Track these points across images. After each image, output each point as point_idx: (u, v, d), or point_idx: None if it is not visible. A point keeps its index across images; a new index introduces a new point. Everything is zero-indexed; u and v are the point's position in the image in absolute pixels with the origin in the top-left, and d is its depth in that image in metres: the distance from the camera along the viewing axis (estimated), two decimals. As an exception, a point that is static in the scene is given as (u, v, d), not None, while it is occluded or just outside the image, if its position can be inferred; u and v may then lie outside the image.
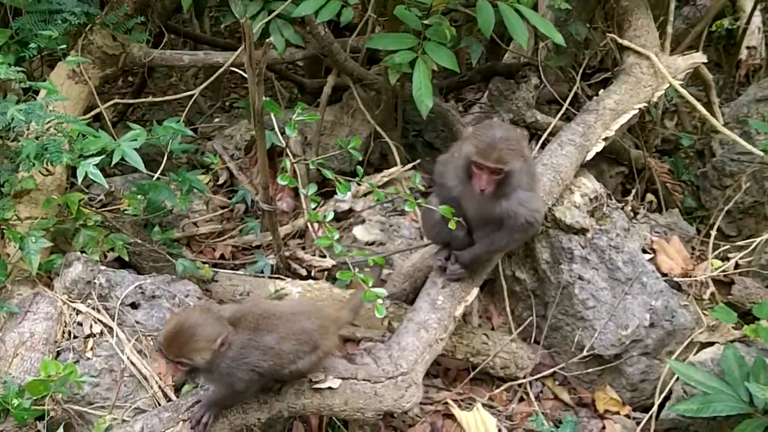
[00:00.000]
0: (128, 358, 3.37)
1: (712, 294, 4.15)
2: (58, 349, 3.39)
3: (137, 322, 3.52)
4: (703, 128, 5.90)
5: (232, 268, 4.33)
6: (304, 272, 4.28)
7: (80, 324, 3.47)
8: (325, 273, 4.31)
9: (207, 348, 2.75)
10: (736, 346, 3.64)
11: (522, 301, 4.30)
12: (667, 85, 4.44)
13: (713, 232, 4.46)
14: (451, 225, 3.27)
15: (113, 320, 3.47)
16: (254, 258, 4.31)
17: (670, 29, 4.84)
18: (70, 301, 3.52)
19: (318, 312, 3.16)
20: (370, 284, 3.14)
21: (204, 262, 4.21)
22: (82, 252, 3.71)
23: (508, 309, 4.20)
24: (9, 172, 3.57)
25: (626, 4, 4.78)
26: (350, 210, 4.68)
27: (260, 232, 4.51)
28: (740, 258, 4.22)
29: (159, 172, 3.95)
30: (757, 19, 6.97)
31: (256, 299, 3.72)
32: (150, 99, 4.93)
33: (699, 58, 4.61)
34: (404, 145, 5.25)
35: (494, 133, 3.25)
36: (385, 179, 4.74)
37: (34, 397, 3.11)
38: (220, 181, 5.07)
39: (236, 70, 4.51)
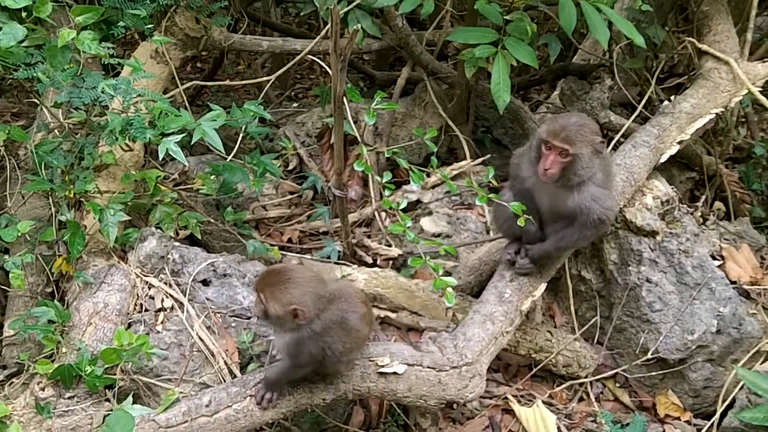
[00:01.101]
0: (197, 333, 3.44)
1: (782, 304, 4.08)
2: (130, 321, 3.49)
3: (207, 299, 3.58)
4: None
5: (299, 252, 4.39)
6: (369, 260, 4.31)
7: (152, 298, 3.55)
8: (390, 262, 4.35)
9: (282, 304, 2.79)
10: (804, 357, 3.59)
11: (586, 302, 4.27)
12: (745, 91, 4.36)
13: (786, 243, 4.37)
14: (520, 222, 3.28)
15: (184, 296, 3.55)
16: (322, 243, 4.35)
17: (749, 36, 4.75)
18: (144, 275, 3.61)
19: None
20: (440, 272, 3.15)
21: (272, 245, 4.28)
22: (157, 227, 3.80)
23: (572, 308, 4.18)
24: (91, 145, 3.67)
25: (707, 9, 4.71)
26: (418, 201, 4.70)
27: (329, 218, 4.55)
28: (812, 269, 4.14)
29: (232, 154, 4.01)
30: (836, 28, 6.79)
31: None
32: (226, 82, 5.00)
33: (779, 64, 4.52)
34: (473, 140, 5.25)
35: (570, 118, 3.31)
36: (455, 172, 4.75)
37: (106, 366, 3.22)
38: (290, 167, 5.14)
39: (314, 58, 4.56)
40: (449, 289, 3.10)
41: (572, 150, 3.21)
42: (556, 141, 3.21)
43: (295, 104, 5.94)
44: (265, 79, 4.71)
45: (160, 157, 3.28)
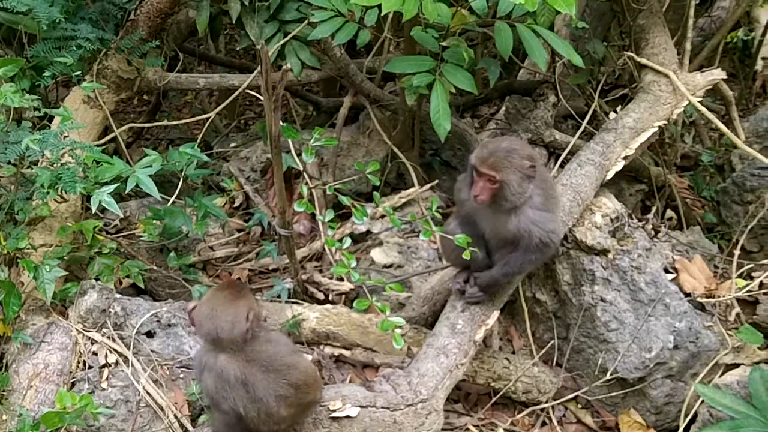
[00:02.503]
0: (144, 388, 3.33)
1: (738, 315, 4.06)
2: (73, 379, 3.37)
3: (153, 351, 3.48)
4: (722, 142, 5.83)
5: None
6: (321, 296, 4.24)
7: (95, 354, 3.44)
8: (343, 297, 4.27)
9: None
10: (763, 368, 3.56)
11: (543, 323, 4.23)
12: (687, 102, 4.37)
13: (737, 251, 4.36)
14: (466, 255, 3.25)
15: (129, 349, 3.44)
16: (271, 282, 4.26)
17: (688, 45, 4.79)
18: (85, 331, 3.50)
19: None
20: (387, 312, 3.09)
21: (220, 287, 4.18)
22: (97, 280, 3.68)
23: (529, 331, 4.13)
24: (23, 200, 3.55)
25: (643, 22, 4.72)
26: (368, 232, 4.65)
27: (277, 255, 4.46)
28: (765, 277, 4.12)
29: (174, 196, 3.92)
30: (773, 30, 6.90)
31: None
32: (164, 123, 4.89)
33: (718, 74, 4.53)
34: (421, 164, 5.22)
35: (500, 143, 3.30)
36: (403, 200, 4.71)
37: (50, 430, 3.08)
38: (236, 204, 5.05)
39: (252, 93, 4.48)
40: (397, 330, 3.03)
41: (499, 177, 3.19)
42: (483, 168, 3.20)
43: (234, 137, 5.84)
44: (204, 116, 4.61)
45: (93, 209, 3.18)
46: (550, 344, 4.11)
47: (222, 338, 2.79)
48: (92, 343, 3.47)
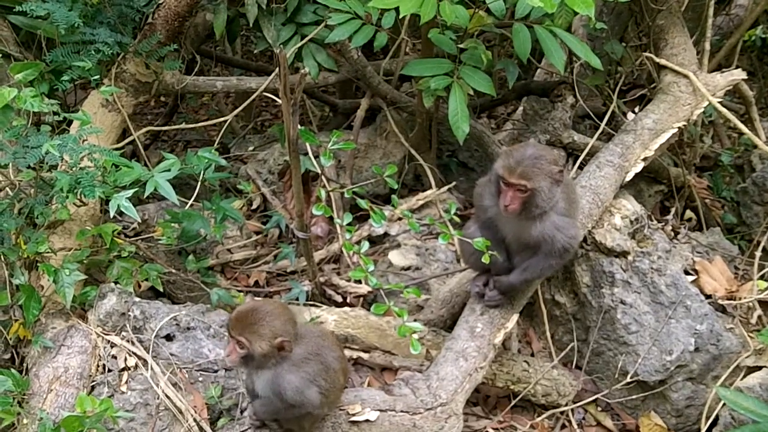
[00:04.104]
0: (163, 391, 3.33)
1: (759, 317, 4.02)
2: (93, 383, 3.37)
3: (172, 355, 3.48)
4: (741, 142, 5.77)
5: (266, 295, 4.29)
6: (339, 298, 4.23)
7: (115, 357, 3.44)
8: (361, 299, 4.26)
9: (268, 339, 2.77)
10: (785, 370, 3.54)
11: (562, 326, 4.21)
12: (706, 103, 4.33)
13: (758, 253, 4.32)
14: (485, 259, 3.23)
15: (148, 353, 3.44)
16: (289, 285, 4.25)
17: (707, 46, 4.74)
18: (105, 334, 3.50)
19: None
20: (405, 317, 3.08)
21: (239, 290, 4.20)
22: (116, 283, 3.69)
23: (548, 334, 4.11)
24: (42, 204, 3.56)
25: (662, 22, 4.68)
26: (385, 234, 4.63)
27: (295, 258, 4.46)
28: (787, 278, 4.09)
29: (192, 199, 3.92)
30: (791, 27, 6.84)
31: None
32: (182, 126, 4.90)
33: (738, 74, 4.49)
34: (438, 165, 5.20)
35: (525, 151, 3.23)
36: (420, 202, 4.69)
37: (70, 434, 3.09)
38: (254, 206, 5.05)
39: (269, 95, 4.48)
40: (414, 336, 3.01)
41: (530, 185, 3.15)
42: (513, 178, 3.15)
43: (251, 139, 5.85)
44: (221, 119, 4.62)
45: (111, 214, 3.19)
46: (569, 347, 4.09)
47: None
48: (111, 347, 3.47)
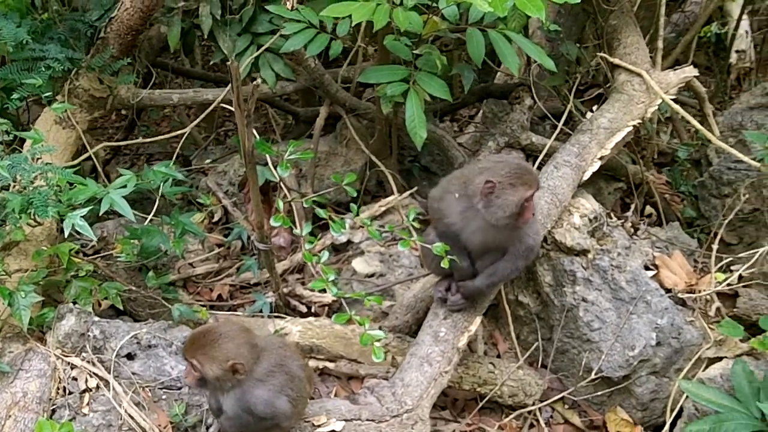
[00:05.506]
0: (126, 411, 3.28)
1: (718, 309, 4.08)
2: (53, 407, 3.29)
3: (134, 373, 3.43)
4: (699, 137, 5.85)
5: (230, 309, 4.26)
6: (304, 309, 4.22)
7: (75, 379, 3.38)
8: (326, 308, 4.25)
9: (219, 362, 2.75)
10: (745, 360, 3.60)
11: (527, 326, 4.24)
12: (660, 100, 4.39)
13: (715, 246, 4.38)
14: (444, 264, 3.24)
15: (109, 373, 3.38)
16: (253, 297, 4.23)
17: (660, 44, 4.81)
18: (64, 356, 3.43)
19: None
20: (367, 326, 3.07)
21: (202, 304, 4.16)
22: (74, 303, 3.63)
23: (513, 334, 4.14)
24: (-4, 226, 3.51)
25: (615, 22, 4.75)
26: (349, 242, 4.63)
27: (258, 269, 4.43)
28: (743, 270, 4.14)
29: (152, 214, 3.88)
30: (744, 23, 7.02)
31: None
32: (139, 141, 4.86)
33: (690, 72, 4.56)
34: (401, 171, 5.21)
35: (518, 161, 3.43)
36: (383, 209, 4.69)
37: (31, 461, 3.04)
38: (216, 219, 5.01)
39: (227, 106, 4.46)
40: (377, 344, 3.01)
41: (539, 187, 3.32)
42: (534, 189, 3.25)
43: (213, 150, 5.81)
44: (179, 132, 4.58)
45: (66, 233, 3.15)
46: (534, 346, 4.12)
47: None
48: (72, 368, 3.40)
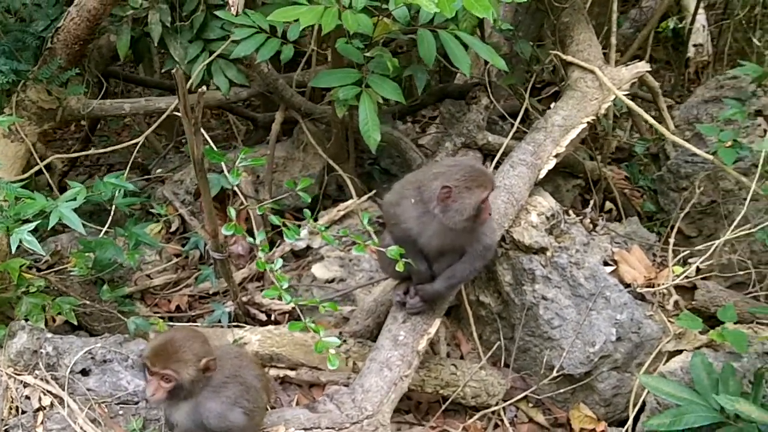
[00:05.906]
0: (82, 428, 3.22)
1: (676, 302, 4.11)
2: (6, 427, 3.23)
3: (89, 390, 3.37)
4: (656, 132, 5.90)
5: (189, 320, 4.21)
6: (264, 317, 4.18)
7: (28, 398, 3.31)
8: (287, 316, 4.21)
9: (193, 363, 2.73)
10: (704, 352, 3.62)
11: (489, 325, 4.23)
12: (614, 96, 4.41)
13: (672, 239, 4.41)
14: (399, 267, 3.21)
15: (64, 390, 3.32)
16: (211, 307, 4.18)
17: (614, 40, 4.84)
18: (17, 374, 3.37)
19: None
20: (321, 333, 3.04)
21: (160, 316, 4.11)
22: (26, 320, 3.56)
23: (475, 335, 4.12)
24: (-56, 243, 3.44)
25: (567, 20, 4.77)
26: (308, 247, 4.59)
27: (216, 279, 4.38)
28: (701, 262, 4.17)
29: (107, 226, 3.82)
30: (701, 17, 7.10)
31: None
32: (91, 152, 4.79)
33: (643, 67, 4.58)
34: (360, 174, 5.18)
35: (471, 163, 3.43)
36: (342, 213, 4.66)
37: (-16, 482, 2.98)
38: (173, 228, 4.94)
39: (179, 114, 4.40)
40: (332, 351, 2.98)
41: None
42: (491, 188, 3.28)
43: (172, 159, 5.75)
44: (134, 141, 4.52)
45: (13, 249, 3.08)
46: (496, 346, 4.11)
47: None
48: (24, 387, 3.34)
